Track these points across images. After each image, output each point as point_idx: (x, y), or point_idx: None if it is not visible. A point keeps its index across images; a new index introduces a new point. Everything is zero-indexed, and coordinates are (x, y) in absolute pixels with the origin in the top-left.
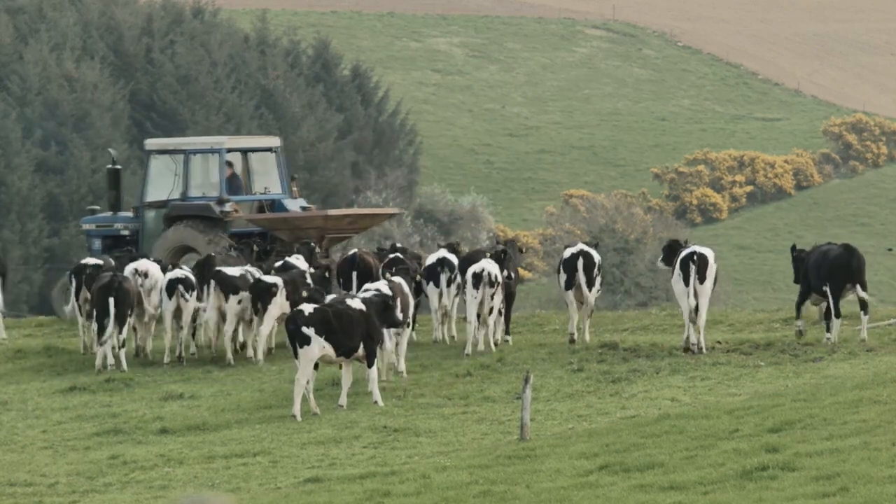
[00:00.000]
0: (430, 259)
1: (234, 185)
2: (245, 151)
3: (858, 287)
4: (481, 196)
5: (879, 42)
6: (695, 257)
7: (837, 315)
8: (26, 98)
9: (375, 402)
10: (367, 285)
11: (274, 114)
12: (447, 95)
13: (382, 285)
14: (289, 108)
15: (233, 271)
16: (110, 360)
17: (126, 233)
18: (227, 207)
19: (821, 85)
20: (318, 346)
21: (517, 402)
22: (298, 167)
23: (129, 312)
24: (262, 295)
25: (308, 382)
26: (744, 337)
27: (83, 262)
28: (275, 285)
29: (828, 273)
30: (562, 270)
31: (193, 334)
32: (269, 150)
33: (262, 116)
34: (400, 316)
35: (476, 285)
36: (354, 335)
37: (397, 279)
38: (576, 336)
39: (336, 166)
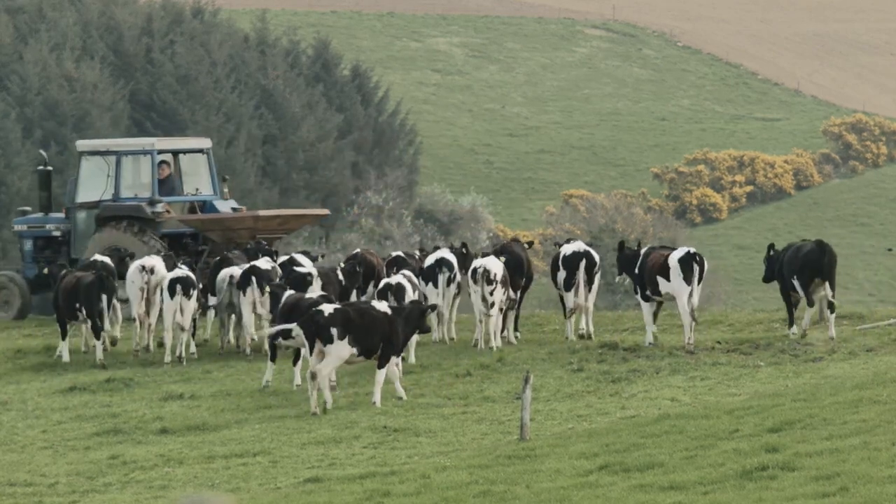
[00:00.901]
0: (429, 260)
1: (170, 185)
2: (176, 153)
3: (827, 286)
4: (481, 196)
5: (879, 42)
6: (698, 258)
7: (811, 304)
8: (26, 98)
9: (374, 403)
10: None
11: (274, 114)
12: (447, 95)
13: (402, 278)
14: (289, 108)
15: (265, 265)
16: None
17: (58, 234)
18: (159, 208)
19: (821, 85)
20: (343, 346)
21: (517, 402)
22: (298, 167)
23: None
24: (297, 285)
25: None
26: (744, 337)
27: (93, 259)
28: (309, 274)
29: (799, 267)
30: (561, 268)
31: (193, 334)
32: (200, 151)
33: (261, 116)
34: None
35: (475, 281)
36: (375, 335)
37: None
38: (571, 336)
39: (336, 166)
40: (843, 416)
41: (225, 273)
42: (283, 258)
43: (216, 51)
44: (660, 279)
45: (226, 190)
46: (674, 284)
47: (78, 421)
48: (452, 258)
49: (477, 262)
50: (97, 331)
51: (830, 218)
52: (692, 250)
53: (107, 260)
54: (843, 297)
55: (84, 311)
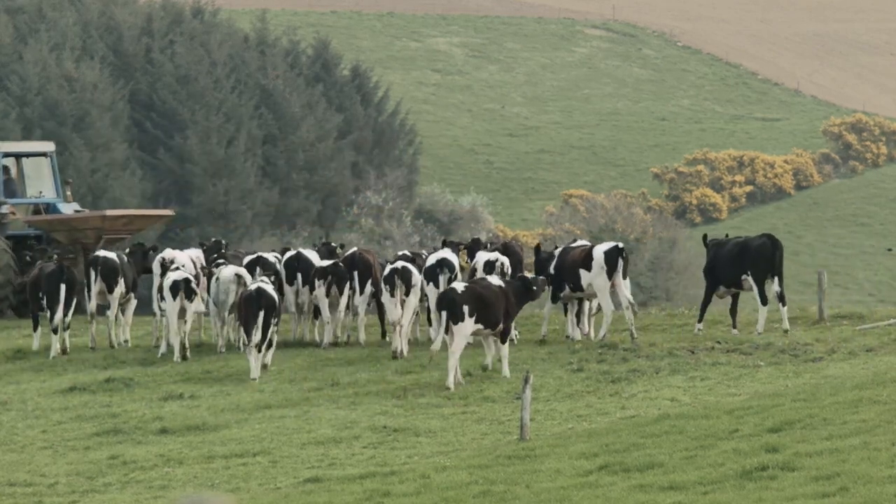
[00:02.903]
0: (431, 260)
1: (10, 188)
2: (19, 156)
3: (776, 280)
4: (481, 196)
5: (879, 42)
6: (623, 253)
7: (764, 303)
8: (26, 98)
9: (505, 377)
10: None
11: (274, 114)
12: (447, 95)
13: (407, 263)
14: (288, 108)
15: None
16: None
17: None
18: (4, 209)
19: (821, 85)
20: (469, 325)
21: (517, 402)
22: (298, 167)
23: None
24: (341, 281)
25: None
26: (744, 337)
27: (96, 254)
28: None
29: (751, 262)
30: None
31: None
32: (44, 154)
33: (261, 116)
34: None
35: (488, 274)
36: (499, 311)
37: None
38: (573, 335)
39: (336, 166)
40: (843, 416)
41: (229, 272)
42: (289, 254)
43: (216, 51)
44: (582, 271)
45: (68, 193)
46: (595, 277)
47: (78, 421)
48: (454, 258)
49: (492, 255)
50: (52, 319)
51: (830, 218)
52: (619, 245)
53: (111, 255)
54: (843, 298)
55: (45, 301)
